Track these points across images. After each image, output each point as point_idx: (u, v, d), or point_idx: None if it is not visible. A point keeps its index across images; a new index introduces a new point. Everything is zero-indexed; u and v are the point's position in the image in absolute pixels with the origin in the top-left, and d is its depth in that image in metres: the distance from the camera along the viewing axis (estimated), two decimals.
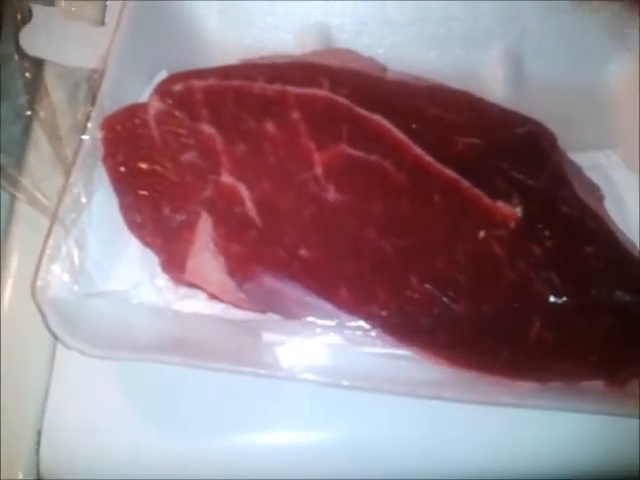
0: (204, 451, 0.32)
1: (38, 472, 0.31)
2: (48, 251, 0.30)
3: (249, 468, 0.32)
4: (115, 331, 0.30)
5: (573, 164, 0.36)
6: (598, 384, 0.31)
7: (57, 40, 0.38)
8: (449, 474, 0.33)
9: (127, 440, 0.31)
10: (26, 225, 0.35)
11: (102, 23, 0.42)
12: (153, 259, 0.33)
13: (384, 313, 0.30)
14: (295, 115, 0.34)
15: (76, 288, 0.30)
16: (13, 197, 0.34)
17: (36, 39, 0.38)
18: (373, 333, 0.30)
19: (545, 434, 0.32)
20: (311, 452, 0.32)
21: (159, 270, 0.33)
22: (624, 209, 0.37)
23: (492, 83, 0.41)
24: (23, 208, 0.35)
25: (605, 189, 0.37)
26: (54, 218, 0.31)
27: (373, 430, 0.32)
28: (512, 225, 0.32)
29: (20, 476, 0.31)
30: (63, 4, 0.41)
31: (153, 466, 0.31)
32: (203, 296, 0.33)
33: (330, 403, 0.32)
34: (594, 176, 0.38)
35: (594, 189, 0.36)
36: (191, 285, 0.33)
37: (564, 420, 0.31)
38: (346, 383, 0.29)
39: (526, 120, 0.36)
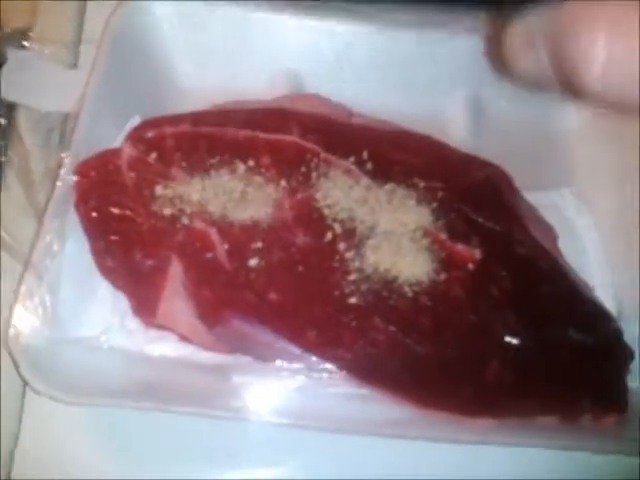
0: None
1: None
2: (20, 298, 0.31)
3: None
4: (86, 377, 0.30)
5: (529, 205, 0.38)
6: (553, 419, 0.32)
7: (31, 84, 0.39)
8: None
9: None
10: None
11: (75, 66, 0.43)
12: (124, 302, 0.34)
13: (350, 355, 0.31)
14: (265, 160, 0.36)
15: (47, 334, 0.31)
16: None
17: (10, 83, 0.38)
18: (339, 375, 0.31)
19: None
20: None
21: (130, 313, 0.34)
22: (578, 247, 0.39)
23: (454, 126, 0.43)
24: None
25: (560, 227, 0.39)
26: (27, 265, 0.31)
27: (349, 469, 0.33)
28: (471, 267, 0.34)
29: None
30: (37, 48, 0.42)
31: None
32: (173, 338, 0.34)
33: (299, 443, 0.33)
34: (550, 215, 0.40)
35: (549, 229, 0.38)
36: (162, 328, 0.34)
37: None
38: (314, 425, 0.30)
39: (485, 164, 0.38)
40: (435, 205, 0.35)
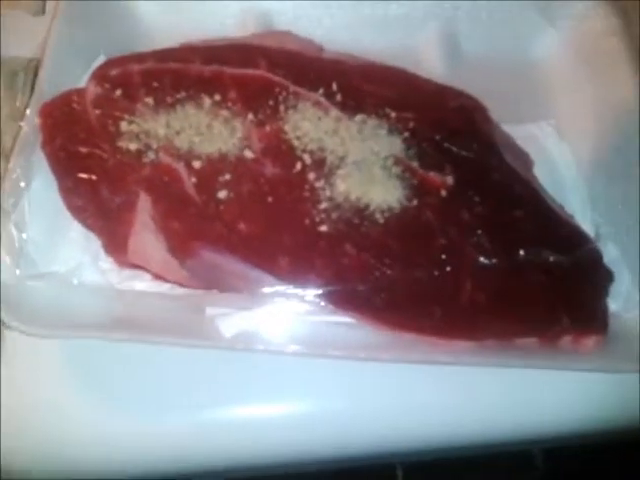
0: (159, 429, 0.32)
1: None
2: None
3: (206, 443, 0.33)
4: (57, 311, 0.30)
5: (504, 134, 0.38)
6: (532, 341, 0.32)
7: None
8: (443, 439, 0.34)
9: (80, 422, 0.32)
10: None
11: (42, 13, 0.42)
12: (96, 242, 0.33)
13: (322, 281, 0.31)
14: (232, 95, 0.35)
15: (18, 272, 0.30)
16: None
17: None
18: (312, 301, 0.31)
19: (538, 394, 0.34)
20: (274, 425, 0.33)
21: (102, 253, 0.33)
22: (556, 175, 0.39)
23: (429, 62, 0.42)
24: None
25: (538, 157, 0.39)
26: None
27: (344, 400, 0.33)
28: (444, 193, 0.33)
29: None
30: None
31: (107, 446, 0.32)
32: (148, 276, 0.34)
33: (282, 374, 0.33)
34: (528, 146, 0.39)
35: (524, 156, 0.37)
36: (135, 266, 0.33)
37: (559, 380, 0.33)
38: (286, 350, 0.30)
39: (459, 94, 0.38)
40: (407, 134, 0.35)
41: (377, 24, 0.42)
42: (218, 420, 0.33)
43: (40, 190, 0.33)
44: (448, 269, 0.31)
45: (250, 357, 0.32)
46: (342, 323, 0.31)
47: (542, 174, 0.38)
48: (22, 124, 0.33)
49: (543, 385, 0.34)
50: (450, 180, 0.33)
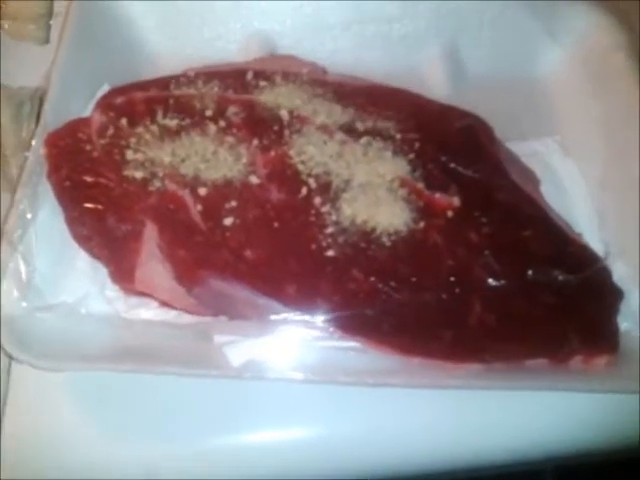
0: (159, 457, 0.32)
1: None
2: None
3: (214, 471, 0.33)
4: (65, 343, 0.30)
5: (509, 153, 0.37)
6: (542, 362, 0.31)
7: (2, 60, 0.39)
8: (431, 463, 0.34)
9: (84, 452, 0.32)
10: None
11: (47, 42, 0.42)
12: (103, 271, 0.33)
13: (329, 306, 0.30)
14: (236, 121, 0.35)
15: (24, 304, 0.30)
16: None
17: None
18: (320, 327, 0.30)
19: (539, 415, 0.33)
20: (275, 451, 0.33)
21: (109, 281, 0.33)
22: (563, 193, 0.39)
23: (433, 81, 0.43)
24: None
25: (544, 175, 0.39)
26: (0, 235, 0.31)
27: (348, 425, 0.33)
28: (450, 214, 0.33)
29: None
30: (7, 26, 0.41)
31: (111, 475, 0.32)
32: (154, 304, 0.34)
33: (291, 401, 0.32)
34: (534, 163, 0.39)
35: (530, 175, 0.37)
36: (142, 294, 0.33)
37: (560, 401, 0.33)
38: (295, 377, 0.29)
39: (463, 114, 0.38)
40: (412, 156, 0.35)
41: (380, 45, 0.43)
42: (225, 447, 0.33)
43: (46, 220, 0.33)
44: (457, 291, 0.31)
45: (258, 383, 0.32)
46: (350, 348, 0.31)
47: (548, 192, 0.38)
48: (28, 154, 0.33)
49: (552, 404, 0.33)
50: (456, 201, 0.33)
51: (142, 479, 0.31)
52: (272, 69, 0.38)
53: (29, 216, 0.32)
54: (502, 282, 0.31)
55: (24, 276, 0.31)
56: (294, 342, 0.31)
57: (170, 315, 0.33)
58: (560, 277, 0.32)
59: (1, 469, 0.31)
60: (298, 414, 0.33)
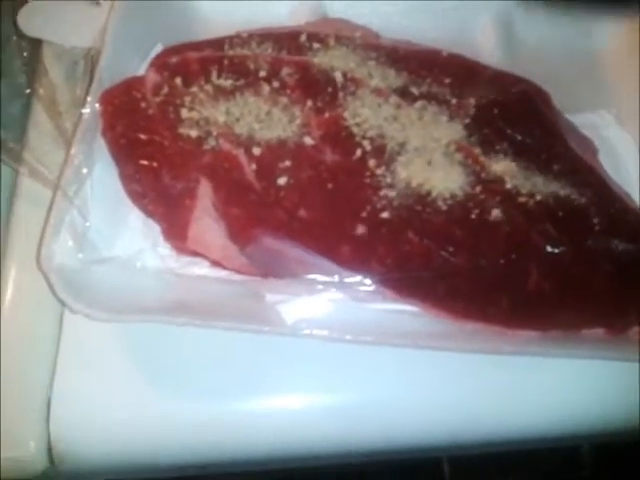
0: (210, 414, 0.32)
1: (49, 441, 0.32)
2: (52, 221, 0.31)
3: (258, 431, 0.33)
4: (120, 295, 0.30)
5: (567, 121, 0.37)
6: (598, 332, 0.31)
7: (54, 20, 0.39)
8: (447, 434, 0.33)
9: (135, 405, 0.32)
10: (28, 199, 0.35)
11: (98, 3, 0.42)
12: (155, 228, 0.33)
13: (384, 268, 0.30)
14: (290, 82, 0.35)
15: (80, 255, 0.31)
16: (15, 171, 0.35)
17: (34, 19, 0.38)
18: (374, 289, 0.30)
19: (544, 389, 0.33)
20: (315, 415, 0.33)
21: (161, 239, 0.33)
22: (618, 165, 0.38)
23: (485, 49, 0.42)
24: (25, 183, 0.36)
25: (599, 147, 0.38)
26: (57, 189, 0.31)
27: (390, 392, 0.33)
28: (507, 180, 0.32)
29: (31, 446, 0.31)
30: None
31: (161, 429, 0.32)
32: (205, 264, 0.34)
33: (333, 366, 0.32)
34: (589, 135, 0.38)
35: (588, 143, 0.36)
36: (193, 253, 0.33)
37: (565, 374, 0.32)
38: (349, 337, 0.29)
39: (519, 79, 0.37)
40: (468, 121, 0.34)
41: (432, 11, 0.42)
42: (270, 408, 0.33)
43: (100, 177, 0.33)
44: (514, 257, 0.30)
45: (295, 346, 0.32)
46: (403, 311, 0.31)
47: (604, 163, 0.37)
48: (83, 110, 0.34)
49: (595, 377, 0.33)
50: (513, 167, 0.33)
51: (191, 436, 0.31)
52: (325, 32, 0.38)
53: (85, 171, 0.32)
54: (560, 249, 0.31)
55: (80, 229, 0.31)
56: (346, 303, 0.31)
57: (221, 275, 0.33)
58: (619, 246, 0.32)
59: (50, 423, 0.31)
60: (337, 378, 0.33)
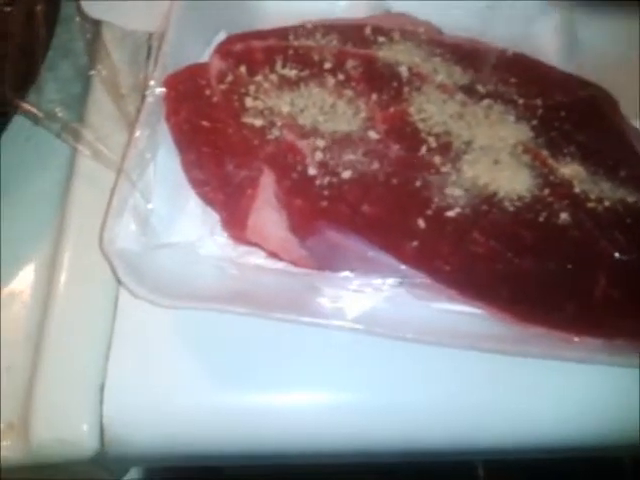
0: (261, 405, 0.32)
1: (102, 425, 0.32)
2: (115, 204, 0.31)
3: (303, 425, 0.33)
4: (180, 281, 0.30)
5: (635, 128, 0.36)
6: None
7: (116, 3, 0.39)
8: (472, 440, 0.33)
9: (188, 393, 0.32)
10: (87, 180, 0.35)
11: None
12: (213, 217, 0.33)
13: (448, 268, 0.30)
14: (355, 75, 0.34)
15: (143, 239, 0.31)
16: (75, 152, 0.35)
17: (96, 1, 0.38)
18: (436, 288, 0.30)
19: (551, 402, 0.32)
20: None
21: (219, 227, 0.33)
22: None
23: (545, 51, 0.41)
24: (83, 164, 0.35)
25: None
26: (120, 172, 0.31)
27: (424, 393, 0.32)
28: (576, 184, 0.32)
29: (85, 429, 0.31)
30: None
31: (214, 418, 0.32)
32: (262, 254, 0.33)
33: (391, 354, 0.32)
34: None
35: None
36: (250, 243, 0.33)
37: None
38: (409, 336, 0.29)
39: (586, 84, 0.36)
40: (535, 122, 0.34)
41: (494, 12, 0.41)
42: (311, 402, 0.32)
43: (162, 162, 0.33)
44: (582, 263, 0.30)
45: (336, 343, 0.32)
46: (466, 312, 0.30)
47: None
48: (147, 93, 0.33)
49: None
50: (582, 171, 0.32)
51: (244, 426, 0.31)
52: (389, 26, 0.37)
53: (148, 155, 0.32)
54: (628, 257, 0.30)
55: (142, 213, 0.31)
56: (407, 301, 0.30)
57: (277, 266, 0.33)
58: None
59: (104, 406, 0.31)
60: (372, 377, 0.32)
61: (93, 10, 0.38)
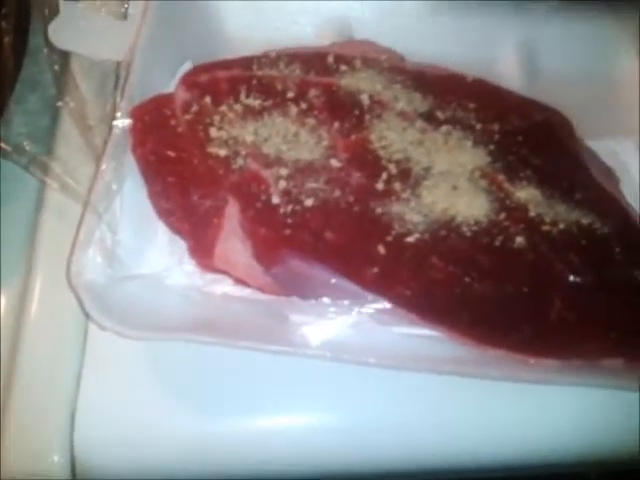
0: (234, 431, 0.32)
1: (72, 455, 0.32)
2: (82, 236, 0.31)
3: (277, 449, 0.33)
4: (147, 312, 0.30)
5: (589, 150, 0.37)
6: (619, 362, 0.31)
7: (83, 34, 0.39)
8: (447, 459, 0.33)
9: (160, 422, 0.32)
10: (56, 213, 0.35)
11: (125, 17, 0.43)
12: (181, 245, 0.34)
13: (408, 293, 0.30)
14: (317, 103, 0.35)
15: (109, 271, 0.31)
16: (43, 185, 0.35)
17: (64, 33, 0.39)
18: (398, 312, 0.30)
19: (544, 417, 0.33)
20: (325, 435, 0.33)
21: (186, 256, 0.34)
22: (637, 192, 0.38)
23: (507, 75, 0.42)
24: (52, 197, 0.36)
25: (620, 175, 0.38)
26: (87, 204, 0.32)
27: (379, 415, 0.33)
28: (531, 208, 0.33)
29: (55, 459, 0.32)
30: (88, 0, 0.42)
31: (186, 447, 0.32)
32: (229, 281, 0.34)
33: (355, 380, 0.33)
34: (609, 163, 0.39)
35: (610, 173, 0.37)
36: (218, 271, 0.34)
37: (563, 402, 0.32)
38: (372, 361, 0.30)
39: (543, 107, 0.37)
40: (492, 147, 0.35)
41: (455, 37, 0.42)
42: (288, 427, 0.33)
43: (129, 193, 0.33)
44: (537, 285, 0.31)
45: (306, 366, 0.32)
46: (427, 336, 0.31)
47: (625, 192, 0.38)
48: (115, 123, 0.34)
49: (615, 405, 0.33)
50: (537, 195, 0.33)
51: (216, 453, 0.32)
52: (351, 54, 0.38)
53: (114, 187, 0.33)
54: (583, 279, 0.31)
55: (109, 245, 0.32)
56: (369, 326, 0.31)
57: (244, 293, 0.34)
58: None
59: (74, 437, 0.32)
60: (345, 399, 0.33)
61: (61, 41, 0.39)
